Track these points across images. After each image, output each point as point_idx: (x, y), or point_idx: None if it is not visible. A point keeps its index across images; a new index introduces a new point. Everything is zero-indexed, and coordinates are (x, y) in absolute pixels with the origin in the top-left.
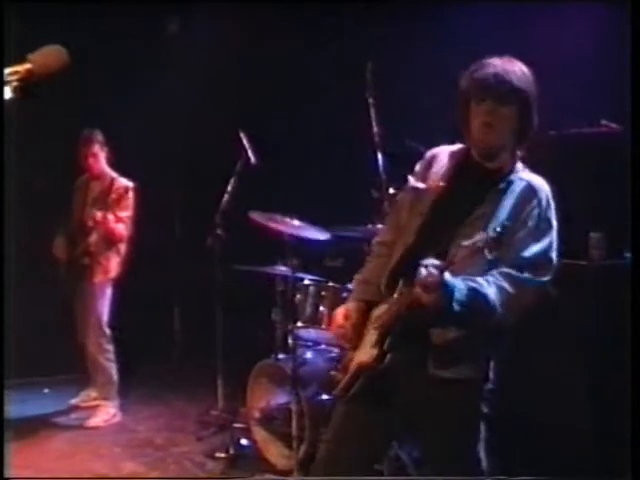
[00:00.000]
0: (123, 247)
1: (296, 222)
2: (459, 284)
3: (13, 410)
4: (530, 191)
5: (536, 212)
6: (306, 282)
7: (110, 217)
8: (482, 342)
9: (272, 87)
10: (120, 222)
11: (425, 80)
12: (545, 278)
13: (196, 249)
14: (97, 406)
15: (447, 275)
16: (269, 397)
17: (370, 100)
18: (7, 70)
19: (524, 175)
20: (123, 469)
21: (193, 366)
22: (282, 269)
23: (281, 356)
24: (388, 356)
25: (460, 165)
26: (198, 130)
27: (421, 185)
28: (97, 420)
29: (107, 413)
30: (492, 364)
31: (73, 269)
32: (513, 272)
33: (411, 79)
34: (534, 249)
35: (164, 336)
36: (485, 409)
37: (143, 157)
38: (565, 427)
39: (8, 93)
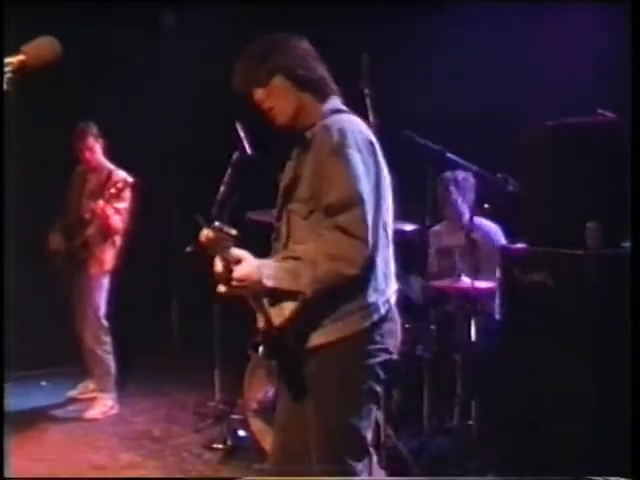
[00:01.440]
0: (119, 239)
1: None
2: (265, 261)
3: (11, 403)
4: (321, 134)
5: (327, 151)
6: None
7: (109, 209)
8: (331, 300)
9: None
10: (117, 214)
11: (425, 77)
12: (364, 209)
13: (194, 241)
14: (94, 398)
15: (246, 260)
16: (266, 388)
17: (366, 91)
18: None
19: (323, 121)
20: (121, 460)
21: (190, 358)
22: None
23: None
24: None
25: (293, 141)
26: (194, 122)
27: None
28: (95, 412)
29: (104, 405)
30: (367, 326)
31: (70, 262)
32: (326, 221)
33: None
34: (338, 189)
35: (162, 328)
36: (370, 379)
37: (140, 149)
38: (563, 423)
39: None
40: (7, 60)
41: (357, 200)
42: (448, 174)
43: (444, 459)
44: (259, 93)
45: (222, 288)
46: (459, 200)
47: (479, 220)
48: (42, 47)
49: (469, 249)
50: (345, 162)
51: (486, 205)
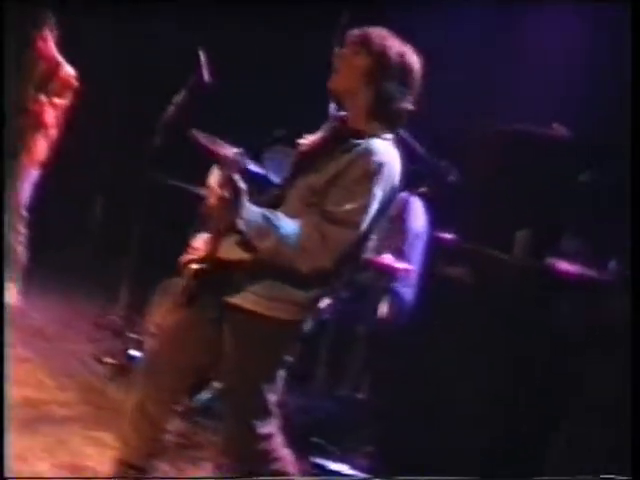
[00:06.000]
0: (53, 133)
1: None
2: (252, 207)
3: None
4: (364, 155)
5: (359, 175)
6: None
7: (44, 100)
8: (273, 277)
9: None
10: (53, 109)
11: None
12: (351, 235)
13: (132, 151)
14: None
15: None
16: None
17: (336, 50)
18: None
19: (374, 141)
20: (12, 352)
21: (105, 265)
22: None
23: None
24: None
25: (334, 126)
26: (153, 39)
27: (302, 141)
28: None
29: (12, 295)
30: (302, 312)
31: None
32: (317, 219)
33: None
34: (346, 206)
35: (83, 228)
36: (287, 355)
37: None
38: (456, 417)
39: None
40: None
41: (353, 225)
42: None
43: (325, 424)
44: (344, 52)
45: (211, 200)
46: None
47: (410, 199)
48: None
49: (397, 226)
50: (366, 192)
51: (423, 188)
